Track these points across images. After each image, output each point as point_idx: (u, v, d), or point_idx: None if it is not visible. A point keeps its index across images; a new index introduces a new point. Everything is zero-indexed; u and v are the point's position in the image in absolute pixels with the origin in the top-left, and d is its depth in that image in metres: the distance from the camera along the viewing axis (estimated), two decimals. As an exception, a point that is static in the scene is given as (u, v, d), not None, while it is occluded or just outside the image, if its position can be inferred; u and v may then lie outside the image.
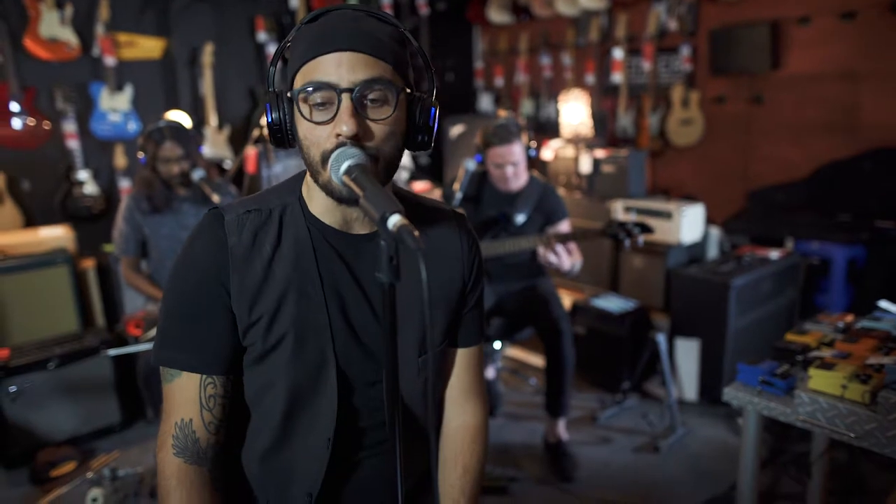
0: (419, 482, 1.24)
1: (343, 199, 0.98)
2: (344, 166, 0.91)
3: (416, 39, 1.02)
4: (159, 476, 1.05)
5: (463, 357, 1.24)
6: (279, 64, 1.04)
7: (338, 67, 0.93)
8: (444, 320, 1.16)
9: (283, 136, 1.01)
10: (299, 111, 0.97)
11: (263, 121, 3.12)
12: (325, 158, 0.96)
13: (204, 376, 1.04)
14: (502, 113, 2.93)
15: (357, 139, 0.94)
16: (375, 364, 1.09)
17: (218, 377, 1.05)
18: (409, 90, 1.00)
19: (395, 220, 0.79)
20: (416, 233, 0.78)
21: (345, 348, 1.07)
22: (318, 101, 0.95)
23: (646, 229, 2.69)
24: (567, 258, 2.78)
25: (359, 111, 0.94)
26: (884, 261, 3.37)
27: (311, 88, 0.94)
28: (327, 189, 0.99)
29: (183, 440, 1.04)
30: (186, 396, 1.04)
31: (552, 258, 2.75)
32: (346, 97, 0.93)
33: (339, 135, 0.94)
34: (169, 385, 1.05)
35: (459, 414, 1.26)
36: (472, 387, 1.26)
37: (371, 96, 0.94)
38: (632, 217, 2.75)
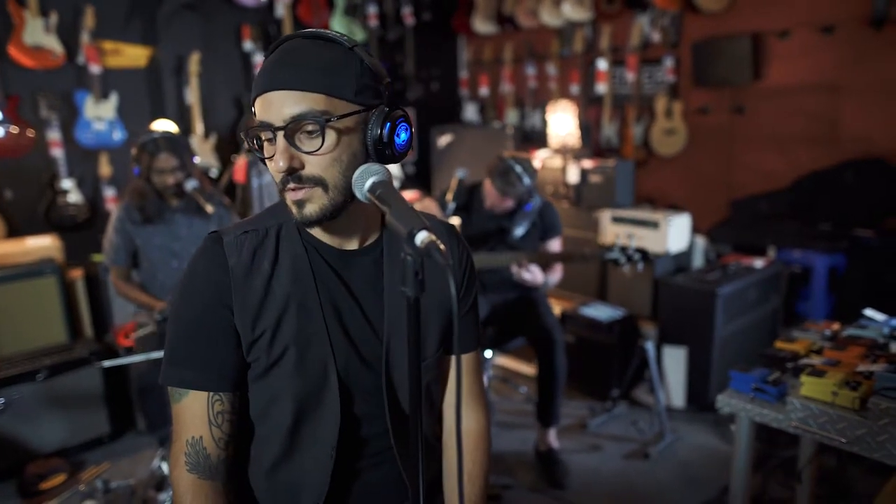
0: (427, 491, 1.26)
1: (306, 223, 1.02)
2: (368, 183, 0.94)
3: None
4: (174, 493, 1.08)
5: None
6: None
7: (270, 106, 0.97)
8: (439, 328, 1.19)
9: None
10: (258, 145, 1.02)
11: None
12: (280, 189, 1.01)
13: (211, 394, 1.06)
14: (531, 159, 2.95)
15: (293, 172, 0.98)
16: (373, 373, 1.12)
17: (225, 394, 1.07)
18: (350, 112, 0.98)
19: (422, 237, 0.81)
20: (444, 248, 0.81)
21: (344, 358, 1.09)
22: (264, 137, 1.00)
23: (646, 256, 2.73)
24: (541, 276, 2.84)
25: (295, 145, 0.97)
26: (863, 269, 3.45)
27: (254, 128, 1.00)
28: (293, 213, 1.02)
29: (195, 457, 1.06)
30: (195, 414, 1.06)
31: (526, 276, 2.81)
32: (279, 135, 0.97)
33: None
34: (178, 404, 1.08)
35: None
36: (470, 393, 1.28)
37: (304, 129, 0.97)
38: (631, 243, 2.79)
